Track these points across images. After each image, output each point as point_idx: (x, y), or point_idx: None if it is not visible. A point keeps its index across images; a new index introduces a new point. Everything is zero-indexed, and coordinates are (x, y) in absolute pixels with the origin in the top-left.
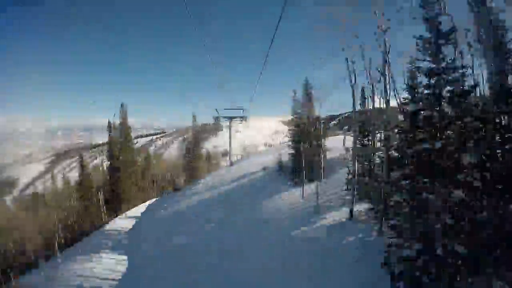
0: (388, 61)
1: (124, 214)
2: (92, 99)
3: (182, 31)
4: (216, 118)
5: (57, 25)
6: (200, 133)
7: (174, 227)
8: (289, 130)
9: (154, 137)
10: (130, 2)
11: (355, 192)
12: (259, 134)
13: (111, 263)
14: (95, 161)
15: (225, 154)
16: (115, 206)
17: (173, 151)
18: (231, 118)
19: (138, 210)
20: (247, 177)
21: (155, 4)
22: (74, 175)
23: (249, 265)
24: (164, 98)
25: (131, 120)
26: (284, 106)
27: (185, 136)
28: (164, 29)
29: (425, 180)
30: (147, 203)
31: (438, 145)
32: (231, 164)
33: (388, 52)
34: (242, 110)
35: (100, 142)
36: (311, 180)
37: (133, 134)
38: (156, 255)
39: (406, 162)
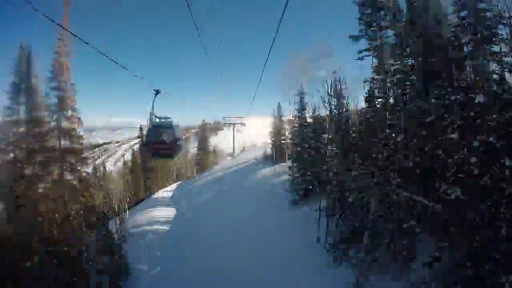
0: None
1: (160, 190)
2: (92, 99)
3: (183, 31)
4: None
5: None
6: (201, 132)
7: (202, 191)
8: (269, 134)
9: None
10: (130, 2)
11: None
12: (258, 133)
13: (165, 212)
14: (97, 161)
15: (230, 155)
16: (148, 187)
17: None
18: (234, 124)
19: (169, 188)
20: (244, 164)
21: (155, 4)
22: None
23: (240, 196)
24: (163, 99)
25: (130, 120)
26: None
27: (186, 136)
28: (164, 29)
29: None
30: (174, 185)
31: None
32: (233, 157)
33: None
34: (241, 118)
35: (101, 142)
36: (280, 163)
37: (135, 133)
38: (191, 206)
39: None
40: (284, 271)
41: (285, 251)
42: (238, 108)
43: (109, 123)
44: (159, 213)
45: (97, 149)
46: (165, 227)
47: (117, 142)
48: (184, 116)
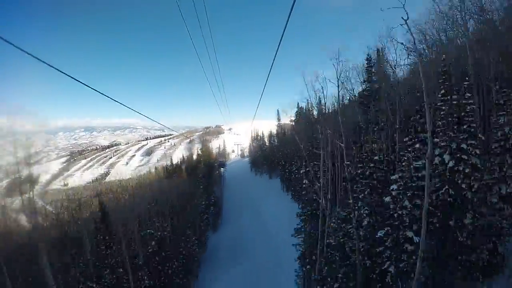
0: None
1: None
2: (92, 101)
3: (184, 34)
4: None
5: (57, 25)
6: (204, 135)
7: (228, 164)
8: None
9: (163, 138)
10: (131, 4)
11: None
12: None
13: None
14: (110, 160)
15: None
16: None
17: (181, 151)
18: (238, 145)
19: None
20: (240, 156)
21: (158, 7)
22: (97, 172)
23: (239, 164)
24: (164, 100)
25: (132, 121)
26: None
27: (191, 138)
28: (166, 33)
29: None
30: None
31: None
32: (237, 155)
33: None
34: (240, 140)
35: (107, 143)
36: None
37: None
38: (229, 167)
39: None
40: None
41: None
42: (241, 108)
43: (109, 124)
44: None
45: (108, 149)
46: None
47: (127, 143)
48: (188, 118)
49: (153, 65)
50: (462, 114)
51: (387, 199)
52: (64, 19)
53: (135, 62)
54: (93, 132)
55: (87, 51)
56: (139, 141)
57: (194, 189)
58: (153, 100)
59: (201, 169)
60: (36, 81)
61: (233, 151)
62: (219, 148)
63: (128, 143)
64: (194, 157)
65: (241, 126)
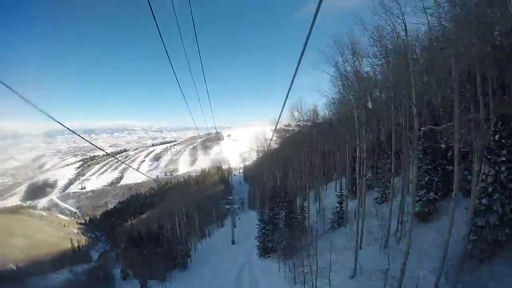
0: None
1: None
2: (91, 102)
3: (185, 35)
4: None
5: (57, 28)
6: (206, 141)
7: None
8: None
9: (168, 145)
10: (131, 5)
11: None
12: (254, 141)
13: None
14: (123, 165)
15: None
16: None
17: (186, 157)
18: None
19: None
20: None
21: (158, 6)
22: (111, 176)
23: None
24: (163, 101)
25: (132, 123)
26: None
27: (194, 145)
28: (163, 34)
29: None
30: None
31: None
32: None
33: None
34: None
35: (107, 145)
36: None
37: (137, 137)
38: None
39: None
40: None
41: None
42: (239, 113)
43: (107, 125)
44: None
45: (118, 155)
46: None
47: (135, 149)
48: (189, 119)
49: (157, 64)
50: None
51: None
52: (66, 24)
53: (138, 61)
54: (91, 134)
55: (86, 56)
56: (146, 147)
57: (222, 184)
58: (156, 100)
59: (222, 176)
60: (35, 82)
61: (235, 169)
62: (227, 168)
63: (136, 149)
64: (215, 169)
65: (239, 132)
